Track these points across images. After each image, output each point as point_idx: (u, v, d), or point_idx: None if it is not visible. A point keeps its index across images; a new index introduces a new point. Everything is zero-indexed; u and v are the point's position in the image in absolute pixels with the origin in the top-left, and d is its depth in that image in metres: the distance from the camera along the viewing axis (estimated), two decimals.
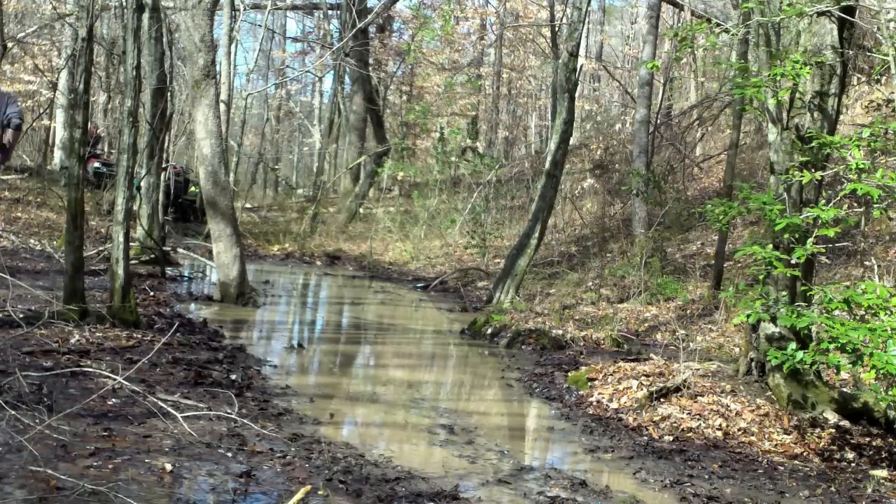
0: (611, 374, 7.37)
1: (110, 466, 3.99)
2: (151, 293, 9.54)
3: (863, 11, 8.71)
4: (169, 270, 11.80)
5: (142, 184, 12.22)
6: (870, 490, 5.19)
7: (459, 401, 7.38)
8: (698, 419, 6.29)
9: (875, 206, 6.06)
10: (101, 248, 11.25)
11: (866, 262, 10.54)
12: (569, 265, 14.62)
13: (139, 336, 6.85)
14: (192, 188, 18.84)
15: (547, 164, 12.28)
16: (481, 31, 30.43)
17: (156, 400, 5.05)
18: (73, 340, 6.26)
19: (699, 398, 6.58)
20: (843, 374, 7.01)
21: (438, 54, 28.10)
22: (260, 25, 25.66)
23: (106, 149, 21.29)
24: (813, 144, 6.46)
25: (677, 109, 22.84)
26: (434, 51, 27.58)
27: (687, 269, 12.96)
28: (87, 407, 4.77)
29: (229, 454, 4.49)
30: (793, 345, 5.68)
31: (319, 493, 4.10)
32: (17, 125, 9.69)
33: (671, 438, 6.03)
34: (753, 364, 7.02)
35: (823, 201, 6.54)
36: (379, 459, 4.94)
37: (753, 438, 6.05)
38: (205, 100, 10.39)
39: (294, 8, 28.03)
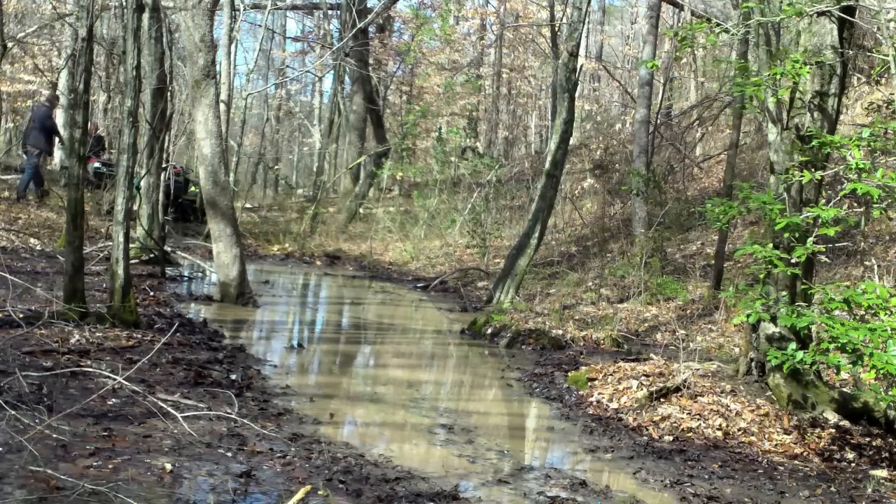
0: (611, 374, 7.37)
1: (110, 466, 3.99)
2: (151, 293, 9.54)
3: (863, 11, 8.70)
4: (169, 270, 11.81)
5: (142, 184, 12.22)
6: (870, 490, 5.19)
7: (459, 401, 7.38)
8: (698, 419, 6.29)
9: (875, 206, 6.06)
10: (101, 247, 11.25)
11: (866, 262, 10.54)
12: (569, 265, 14.62)
13: (139, 336, 6.85)
14: (192, 188, 18.82)
15: (547, 164, 12.28)
16: (481, 31, 30.42)
17: (156, 400, 5.05)
18: (73, 340, 6.26)
19: (699, 398, 6.58)
20: (843, 374, 7.01)
21: (438, 54, 28.08)
22: (260, 25, 25.65)
23: (106, 147, 21.27)
24: (813, 144, 6.46)
25: (677, 109, 22.83)
26: (434, 51, 27.56)
27: (687, 269, 12.96)
28: (87, 407, 4.77)
29: (229, 454, 4.49)
30: (793, 345, 5.68)
31: (319, 493, 4.10)
32: None
33: (671, 438, 6.03)
34: (753, 364, 7.02)
35: (823, 201, 6.54)
36: (379, 459, 4.94)
37: (753, 438, 6.05)
38: (205, 100, 10.39)
39: (294, 8, 28.01)
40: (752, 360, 7.04)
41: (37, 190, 14.88)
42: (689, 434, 6.11)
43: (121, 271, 7.20)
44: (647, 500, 4.83)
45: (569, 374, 7.81)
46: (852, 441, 6.04)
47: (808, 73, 6.49)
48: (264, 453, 4.61)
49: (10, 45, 14.96)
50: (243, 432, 4.90)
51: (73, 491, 3.61)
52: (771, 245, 6.34)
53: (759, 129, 17.48)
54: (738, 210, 6.73)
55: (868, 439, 6.11)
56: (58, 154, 20.54)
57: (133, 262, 10.14)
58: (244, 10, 23.17)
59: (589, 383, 7.32)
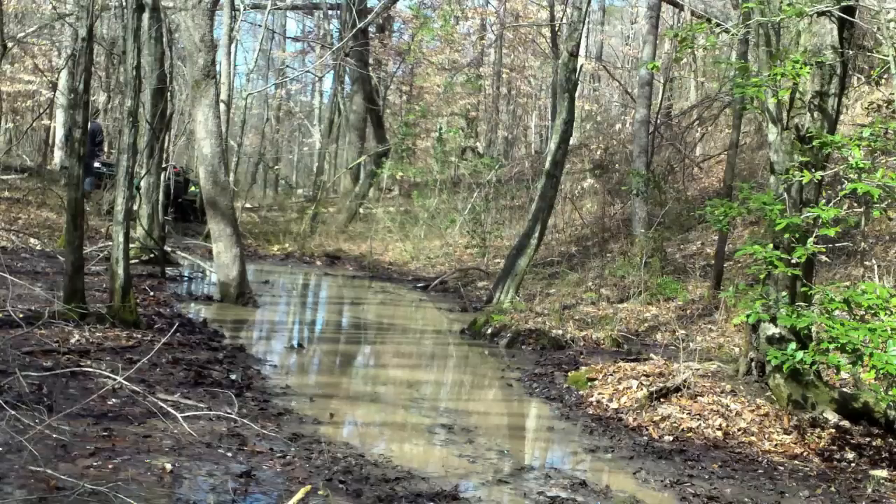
0: (611, 374, 7.37)
1: (110, 466, 3.99)
2: (151, 293, 9.54)
3: (863, 11, 8.71)
4: (169, 270, 11.80)
5: (142, 184, 12.22)
6: (870, 490, 5.19)
7: (459, 401, 7.38)
8: (698, 419, 6.29)
9: (875, 206, 6.06)
10: (101, 247, 11.25)
11: (866, 262, 10.53)
12: (569, 265, 14.62)
13: (139, 336, 6.85)
14: (192, 188, 18.83)
15: (547, 164, 12.27)
16: (481, 31, 30.41)
17: (156, 400, 5.05)
18: (73, 340, 6.26)
19: (699, 398, 6.58)
20: (843, 374, 7.01)
21: (438, 54, 28.07)
22: (260, 25, 25.65)
23: (106, 149, 21.26)
24: (813, 144, 6.46)
25: (677, 109, 22.82)
26: (434, 51, 27.55)
27: (687, 269, 12.96)
28: (87, 407, 4.77)
29: (229, 454, 4.49)
30: (793, 345, 5.68)
31: (319, 493, 4.10)
32: None
33: (671, 438, 6.03)
34: (753, 364, 7.02)
35: (823, 201, 6.54)
36: (379, 459, 4.94)
37: (753, 438, 6.05)
38: (205, 100, 10.39)
39: (294, 8, 28.00)
40: (752, 360, 7.04)
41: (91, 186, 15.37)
42: (689, 434, 6.11)
43: (121, 271, 7.20)
44: (647, 500, 4.83)
45: (569, 374, 7.81)
46: (852, 441, 6.04)
47: (808, 73, 6.49)
48: (264, 453, 4.61)
49: (10, 45, 14.96)
50: (243, 432, 4.90)
51: (73, 491, 3.61)
52: (771, 245, 6.34)
53: (759, 129, 17.47)
54: (738, 210, 6.74)
55: (868, 439, 6.11)
56: (58, 154, 20.56)
57: (133, 262, 10.14)
58: (244, 10, 23.18)
59: (589, 383, 7.32)
